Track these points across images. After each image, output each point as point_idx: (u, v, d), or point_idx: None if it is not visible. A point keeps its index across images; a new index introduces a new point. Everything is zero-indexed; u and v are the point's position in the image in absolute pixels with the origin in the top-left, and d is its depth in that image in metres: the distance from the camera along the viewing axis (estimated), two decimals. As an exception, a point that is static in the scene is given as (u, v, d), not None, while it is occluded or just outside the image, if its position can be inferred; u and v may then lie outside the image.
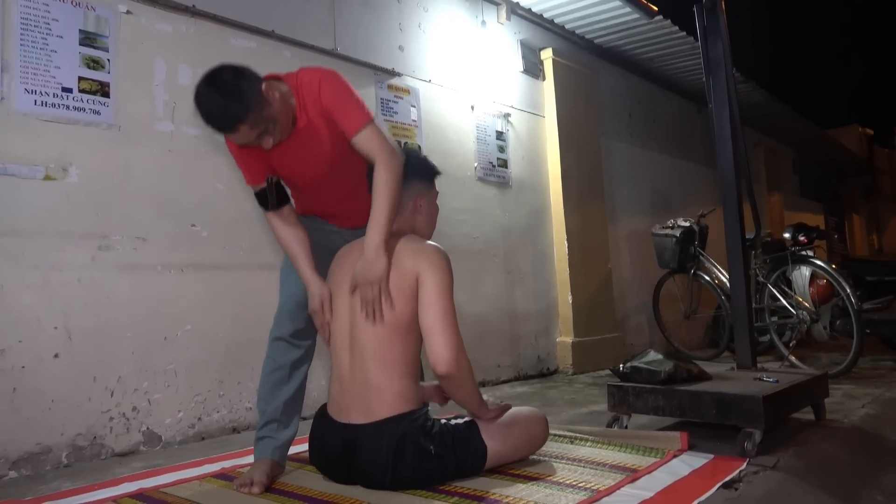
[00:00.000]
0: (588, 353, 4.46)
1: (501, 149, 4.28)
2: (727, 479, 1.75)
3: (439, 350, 1.68)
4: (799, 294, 3.99)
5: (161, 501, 1.77)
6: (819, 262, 3.87)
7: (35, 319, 2.27)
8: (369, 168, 1.82)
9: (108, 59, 2.53)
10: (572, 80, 4.79)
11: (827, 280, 3.93)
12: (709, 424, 2.21)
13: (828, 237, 7.97)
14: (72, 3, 2.45)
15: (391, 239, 1.78)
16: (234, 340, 2.77)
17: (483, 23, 4.24)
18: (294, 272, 1.96)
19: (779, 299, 3.95)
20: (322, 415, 1.86)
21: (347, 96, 1.80)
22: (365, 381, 1.73)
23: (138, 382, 2.50)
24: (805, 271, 3.99)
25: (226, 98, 1.64)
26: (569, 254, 4.50)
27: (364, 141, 1.77)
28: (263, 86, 1.70)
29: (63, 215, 2.37)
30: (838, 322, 4.33)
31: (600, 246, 4.83)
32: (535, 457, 2.00)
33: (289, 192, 1.99)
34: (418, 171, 1.92)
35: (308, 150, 1.84)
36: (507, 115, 4.35)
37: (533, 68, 4.60)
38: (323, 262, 1.95)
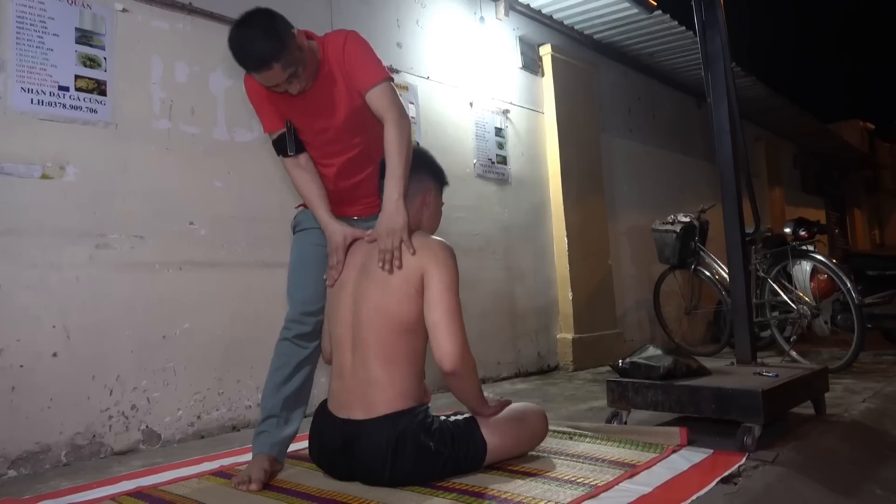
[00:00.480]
0: (588, 349, 4.45)
1: (500, 145, 4.27)
2: (726, 473, 1.74)
3: (446, 347, 1.68)
4: (800, 289, 3.97)
5: (159, 499, 1.76)
6: (820, 257, 3.86)
7: (33, 318, 2.27)
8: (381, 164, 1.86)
9: (105, 58, 2.52)
10: (571, 75, 4.77)
11: (828, 275, 3.91)
12: (708, 419, 2.21)
13: (829, 232, 7.95)
14: (68, 1, 2.44)
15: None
16: (233, 338, 2.77)
17: (481, 19, 4.23)
18: (300, 279, 1.99)
19: (779, 294, 3.94)
20: (322, 410, 1.86)
21: (369, 53, 1.87)
22: (367, 378, 1.73)
23: (137, 381, 2.50)
24: (806, 266, 3.97)
25: (263, 36, 1.69)
26: (569, 250, 4.49)
27: (377, 95, 1.83)
28: (297, 32, 1.76)
29: (61, 214, 2.36)
30: (839, 317, 4.32)
31: (600, 242, 4.82)
32: (534, 453, 1.99)
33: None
34: (432, 170, 1.96)
35: (324, 101, 1.88)
36: (506, 112, 4.34)
37: (532, 64, 4.59)
38: (324, 261, 1.95)
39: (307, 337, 1.97)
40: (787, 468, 1.85)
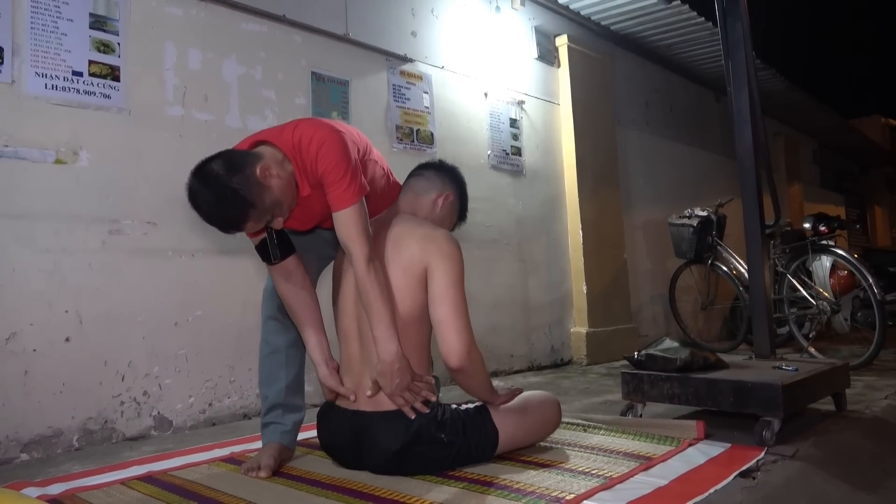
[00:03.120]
0: (602, 343, 4.41)
1: (515, 136, 4.23)
2: (745, 467, 1.70)
3: (452, 344, 1.65)
4: (819, 285, 3.90)
5: (169, 484, 1.76)
6: (840, 252, 3.78)
7: (46, 303, 2.27)
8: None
9: (119, 43, 2.51)
10: (588, 67, 4.71)
11: (848, 270, 3.84)
12: (726, 413, 2.17)
13: (849, 227, 7.81)
14: (82, -14, 2.44)
15: (397, 222, 1.76)
16: (245, 326, 2.76)
17: (497, 8, 4.19)
18: None
19: (798, 290, 3.87)
20: (330, 403, 1.84)
21: (344, 169, 1.64)
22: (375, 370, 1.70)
23: (149, 367, 2.50)
24: (826, 261, 3.90)
25: (223, 204, 1.54)
26: (583, 243, 4.44)
27: (343, 221, 1.65)
28: (258, 171, 1.57)
29: (74, 199, 2.36)
30: (859, 313, 4.24)
31: (615, 235, 4.76)
32: (546, 444, 1.97)
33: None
34: (461, 195, 1.94)
35: (311, 211, 1.76)
36: (521, 103, 4.29)
37: (547, 55, 4.54)
38: (317, 250, 1.93)
39: None
40: (806, 463, 1.80)
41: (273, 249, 1.75)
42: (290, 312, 1.83)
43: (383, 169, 1.96)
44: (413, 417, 1.66)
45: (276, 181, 1.60)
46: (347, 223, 1.65)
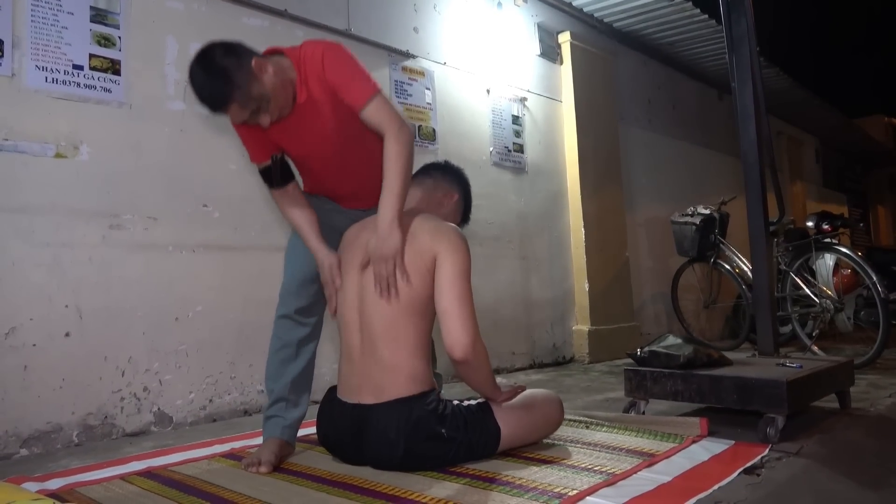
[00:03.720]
0: (604, 341, 4.39)
1: (517, 133, 4.21)
2: (749, 464, 1.69)
3: (456, 335, 1.63)
4: (822, 283, 3.88)
5: (169, 479, 1.74)
6: (844, 250, 3.76)
7: (46, 297, 2.26)
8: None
9: (119, 37, 2.50)
10: (590, 64, 4.70)
11: (852, 269, 3.82)
12: (729, 410, 2.15)
13: (852, 226, 7.79)
14: (83, -21, 2.42)
15: (408, 216, 1.74)
16: (246, 322, 2.75)
17: (499, 5, 4.17)
18: (298, 249, 1.93)
19: (802, 288, 3.85)
20: (331, 396, 1.83)
21: (352, 69, 1.73)
22: (376, 362, 1.69)
23: (149, 363, 2.49)
24: (829, 260, 3.88)
25: (212, 79, 1.61)
26: (585, 241, 4.42)
27: (372, 113, 1.72)
28: (254, 62, 1.64)
29: (74, 193, 2.35)
30: (863, 312, 4.22)
31: (618, 233, 4.75)
32: (549, 441, 1.95)
33: (295, 170, 1.95)
34: (465, 195, 1.97)
35: (309, 125, 1.78)
36: (523, 100, 4.27)
37: (550, 52, 4.52)
38: (329, 242, 1.91)
39: (306, 312, 1.92)
40: (811, 460, 1.79)
41: (275, 176, 1.87)
42: (296, 228, 1.92)
43: None
44: (379, 293, 1.67)
45: (269, 77, 1.66)
46: (375, 111, 1.71)
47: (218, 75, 1.61)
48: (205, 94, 1.65)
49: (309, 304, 1.92)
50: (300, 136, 1.81)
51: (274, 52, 1.77)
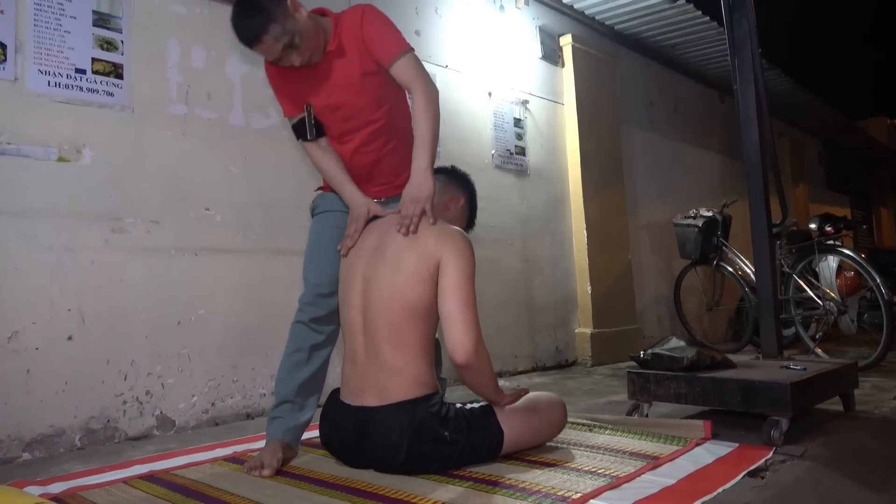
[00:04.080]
0: (607, 344, 4.38)
1: (519, 136, 4.21)
2: (753, 467, 1.68)
3: (459, 339, 1.63)
4: (825, 285, 3.87)
5: (171, 483, 1.74)
6: (847, 252, 3.75)
7: (48, 301, 2.26)
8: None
9: (122, 41, 2.51)
10: (592, 66, 4.70)
11: (855, 271, 3.81)
12: (733, 413, 2.15)
13: (855, 228, 7.76)
14: (85, -17, 2.43)
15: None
16: (248, 325, 2.75)
17: (501, 7, 4.17)
18: (316, 259, 1.96)
19: (805, 290, 3.84)
20: (333, 398, 1.82)
21: (388, 26, 1.85)
22: (380, 364, 1.69)
23: (152, 366, 2.48)
24: (832, 262, 3.87)
25: (249, 11, 1.72)
26: (588, 243, 4.42)
27: (402, 67, 1.81)
28: (289, 1, 1.74)
29: (76, 197, 2.35)
30: (866, 314, 4.21)
31: (620, 235, 4.74)
32: (552, 444, 1.95)
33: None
34: (470, 199, 2.01)
35: (337, 77, 1.85)
36: (525, 102, 4.27)
37: (552, 54, 4.52)
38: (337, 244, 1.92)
39: (322, 321, 1.94)
40: (815, 463, 1.78)
41: (310, 128, 1.92)
42: (328, 176, 1.99)
43: None
44: (399, 230, 1.72)
45: (303, 18, 1.76)
46: (405, 66, 1.82)
47: (255, 9, 1.71)
48: (241, 24, 1.73)
49: (325, 315, 1.94)
50: (328, 87, 1.87)
51: (316, 12, 1.87)
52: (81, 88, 2.39)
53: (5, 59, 2.22)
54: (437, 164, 2.22)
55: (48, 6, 2.34)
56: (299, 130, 1.95)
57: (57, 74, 2.33)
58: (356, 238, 1.85)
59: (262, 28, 1.71)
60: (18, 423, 2.16)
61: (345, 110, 1.89)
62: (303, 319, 1.94)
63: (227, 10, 2.79)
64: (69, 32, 2.38)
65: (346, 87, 1.86)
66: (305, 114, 1.92)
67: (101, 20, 2.46)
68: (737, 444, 1.89)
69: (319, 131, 1.94)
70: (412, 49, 1.85)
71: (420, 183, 1.76)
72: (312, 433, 2.06)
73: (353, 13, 1.86)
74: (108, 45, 2.47)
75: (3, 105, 2.22)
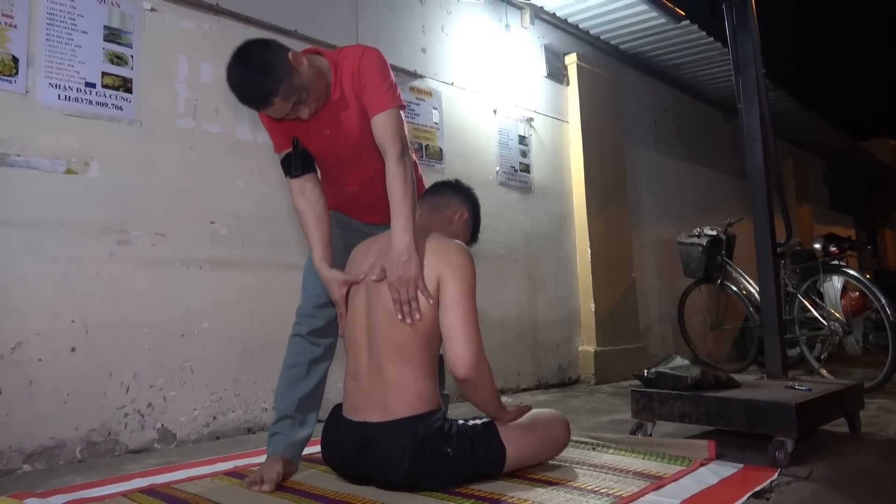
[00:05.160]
0: (611, 362, 4.36)
1: (524, 153, 4.23)
2: (758, 488, 1.67)
3: (460, 353, 1.63)
4: (830, 305, 3.85)
5: (172, 497, 1.73)
6: (852, 272, 3.73)
7: (53, 312, 2.27)
8: None
9: (132, 56, 2.54)
10: (597, 85, 4.73)
11: (860, 291, 3.79)
12: (737, 433, 2.12)
13: (860, 248, 7.72)
14: (97, -1, 2.47)
15: (417, 235, 1.75)
16: (251, 339, 2.75)
17: (507, 26, 4.21)
18: (314, 272, 1.93)
19: (809, 310, 3.82)
20: (336, 414, 1.82)
21: (384, 74, 1.77)
22: (383, 380, 1.68)
23: (154, 379, 2.48)
24: (837, 282, 3.85)
25: (256, 74, 1.65)
26: (592, 261, 4.42)
27: (381, 123, 1.74)
28: (290, 55, 1.69)
29: (83, 209, 2.37)
30: (871, 335, 4.18)
31: (624, 254, 4.74)
32: (555, 462, 1.93)
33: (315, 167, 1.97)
34: (474, 213, 1.98)
35: (336, 124, 1.82)
36: (529, 120, 4.30)
37: (557, 73, 4.56)
38: (340, 256, 1.91)
39: (320, 333, 1.92)
40: (821, 485, 1.76)
41: (296, 163, 1.86)
42: (302, 222, 1.91)
43: (414, 162, 1.98)
44: (401, 319, 1.64)
45: (306, 69, 1.70)
46: (385, 123, 1.74)
47: (261, 70, 1.64)
48: (248, 91, 1.68)
49: (323, 326, 1.93)
50: (325, 135, 1.84)
51: (311, 52, 1.81)
52: (91, 102, 2.41)
53: (17, 73, 2.25)
54: (442, 178, 2.24)
55: (60, 21, 2.37)
56: (286, 165, 1.89)
57: (67, 88, 2.36)
58: (345, 317, 1.81)
59: (271, 90, 1.65)
60: (20, 434, 2.15)
61: (342, 154, 1.88)
62: (301, 333, 1.93)
63: (236, 27, 2.85)
64: (80, 47, 2.41)
65: (342, 133, 1.83)
66: (292, 148, 1.85)
67: (111, 35, 2.49)
68: (741, 465, 1.87)
69: (306, 167, 1.88)
70: (401, 106, 1.77)
71: (405, 262, 1.63)
72: (314, 448, 2.05)
73: (353, 56, 1.78)
74: (118, 60, 2.50)
75: (13, 117, 2.24)
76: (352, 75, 1.77)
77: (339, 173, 1.94)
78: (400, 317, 1.66)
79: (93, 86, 2.42)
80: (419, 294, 1.65)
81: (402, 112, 1.79)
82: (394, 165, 1.71)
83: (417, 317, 1.65)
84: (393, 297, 1.66)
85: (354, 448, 1.71)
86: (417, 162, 2.05)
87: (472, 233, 2.01)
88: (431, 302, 1.66)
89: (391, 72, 1.80)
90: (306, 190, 1.89)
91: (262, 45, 1.70)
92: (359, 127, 1.81)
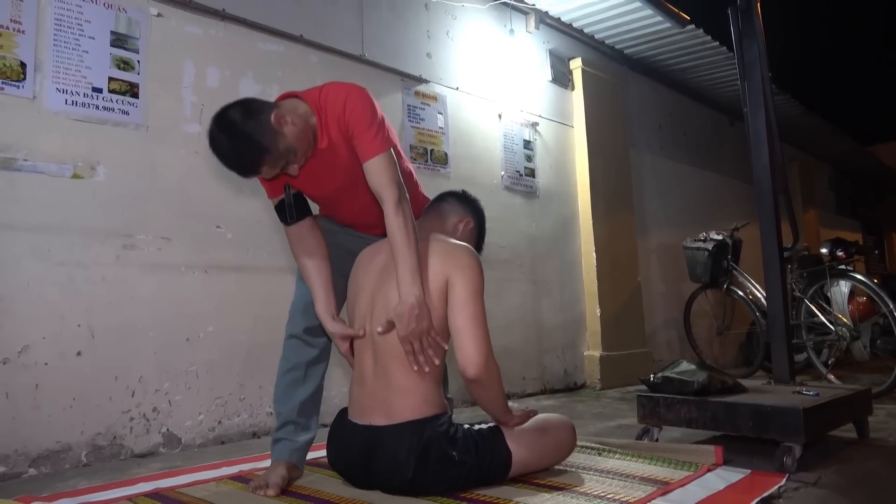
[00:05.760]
0: (616, 367, 4.34)
1: (529, 158, 4.23)
2: (765, 494, 1.65)
3: (469, 353, 1.63)
4: (837, 310, 3.83)
5: (177, 501, 1.73)
6: (860, 277, 3.71)
7: (59, 316, 2.27)
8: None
9: (138, 61, 2.55)
10: (601, 90, 4.73)
11: (867, 296, 3.77)
12: (745, 438, 2.11)
13: (867, 253, 7.68)
14: (104, 4, 2.48)
15: (420, 239, 1.74)
16: (256, 343, 2.75)
17: (511, 31, 4.22)
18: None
19: (816, 315, 3.80)
20: (341, 418, 1.81)
21: (372, 117, 1.71)
22: (389, 384, 1.68)
23: (159, 383, 2.48)
24: (844, 287, 3.83)
25: (239, 145, 1.60)
26: (597, 265, 4.40)
27: (374, 171, 1.69)
28: (273, 117, 1.62)
29: (89, 213, 2.38)
30: (879, 340, 4.15)
31: (629, 258, 4.73)
32: (561, 467, 1.92)
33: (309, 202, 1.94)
34: (480, 225, 1.98)
35: (328, 169, 1.79)
36: (534, 124, 4.30)
37: (561, 78, 4.56)
38: (346, 265, 1.91)
39: (314, 331, 1.90)
40: (829, 491, 1.74)
41: (290, 210, 1.82)
42: (303, 271, 1.88)
43: (410, 171, 1.98)
44: (417, 369, 1.63)
45: (291, 128, 1.65)
46: (378, 170, 1.70)
47: (244, 142, 1.59)
48: (233, 163, 1.64)
49: (318, 325, 1.90)
50: (317, 179, 1.81)
51: (288, 97, 1.75)
52: (97, 107, 2.42)
53: (25, 78, 2.26)
54: (448, 186, 2.24)
55: (68, 26, 2.39)
56: (280, 213, 1.85)
57: (74, 93, 2.37)
58: (351, 356, 1.81)
59: (257, 161, 1.61)
60: (25, 437, 2.16)
61: (336, 194, 1.86)
62: (296, 332, 1.91)
63: (242, 32, 2.86)
64: (87, 52, 2.42)
65: (339, 176, 1.81)
66: (284, 197, 1.82)
67: (118, 40, 2.50)
68: (749, 471, 1.86)
69: (301, 213, 1.85)
70: (390, 149, 1.72)
71: (416, 315, 1.60)
72: (319, 452, 2.05)
73: (336, 99, 1.70)
74: (125, 65, 2.51)
75: (20, 122, 2.25)
76: (337, 120, 1.70)
77: (335, 205, 1.93)
78: (416, 368, 1.64)
79: (99, 91, 2.43)
80: (435, 340, 1.64)
81: (392, 152, 1.73)
82: (392, 215, 1.67)
83: (437, 362, 1.65)
84: (406, 350, 1.64)
85: (359, 451, 1.70)
86: (413, 171, 2.04)
87: (476, 243, 2.01)
88: (446, 347, 1.66)
89: (378, 109, 1.74)
90: (304, 238, 1.86)
91: (243, 109, 1.62)
92: (350, 166, 1.77)
